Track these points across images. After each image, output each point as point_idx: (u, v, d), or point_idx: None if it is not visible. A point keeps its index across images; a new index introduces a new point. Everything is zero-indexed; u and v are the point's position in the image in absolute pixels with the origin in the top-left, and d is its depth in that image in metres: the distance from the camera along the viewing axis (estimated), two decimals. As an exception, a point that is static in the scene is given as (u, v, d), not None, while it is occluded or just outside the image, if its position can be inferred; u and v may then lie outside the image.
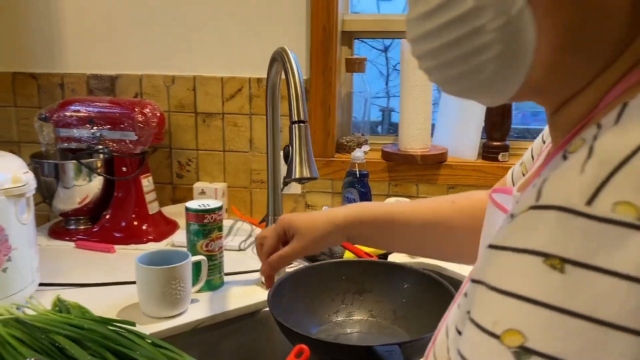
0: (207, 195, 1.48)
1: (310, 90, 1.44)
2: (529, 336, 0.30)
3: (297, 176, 0.85)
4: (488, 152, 1.45)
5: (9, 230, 0.94)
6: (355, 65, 1.50)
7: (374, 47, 2.78)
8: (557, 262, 0.30)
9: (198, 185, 1.49)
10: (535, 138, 0.66)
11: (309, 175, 0.85)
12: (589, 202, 0.30)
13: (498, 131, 1.45)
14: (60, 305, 0.89)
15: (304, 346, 0.68)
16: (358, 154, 1.32)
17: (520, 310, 0.31)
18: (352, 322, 0.94)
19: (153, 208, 1.39)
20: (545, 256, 0.30)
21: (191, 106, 1.50)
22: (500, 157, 1.44)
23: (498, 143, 1.44)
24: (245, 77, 1.46)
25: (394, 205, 0.85)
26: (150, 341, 0.81)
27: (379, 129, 2.90)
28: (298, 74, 0.88)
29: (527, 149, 0.67)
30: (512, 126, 1.45)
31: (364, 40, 1.74)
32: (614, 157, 0.30)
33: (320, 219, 0.79)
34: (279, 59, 0.93)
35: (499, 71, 0.40)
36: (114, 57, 1.52)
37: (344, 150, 1.51)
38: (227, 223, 1.41)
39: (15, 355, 0.75)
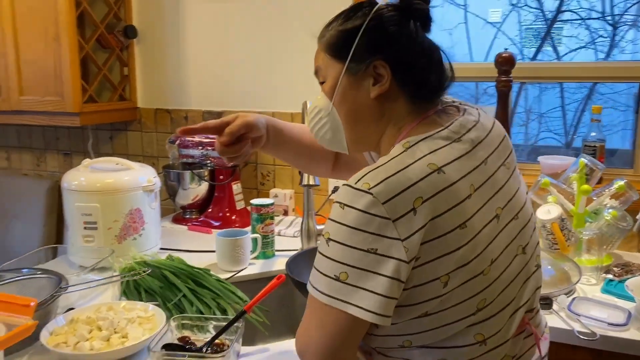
0: (279, 199, 2.03)
1: (354, 122, 1.94)
2: (330, 233, 0.76)
3: (304, 183, 1.36)
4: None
5: (144, 211, 1.56)
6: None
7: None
8: (341, 205, 0.74)
9: (273, 191, 2.05)
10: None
11: (312, 183, 1.36)
12: (356, 182, 0.75)
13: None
14: (170, 259, 1.48)
15: (282, 274, 1.18)
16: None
17: (329, 224, 0.76)
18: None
19: (240, 205, 1.97)
20: (339, 203, 0.75)
21: (271, 133, 2.07)
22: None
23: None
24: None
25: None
26: (215, 278, 1.36)
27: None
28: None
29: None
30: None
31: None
32: (374, 166, 0.75)
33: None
34: (304, 109, 1.45)
35: (334, 135, 0.90)
36: (221, 97, 2.14)
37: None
38: (290, 218, 1.96)
39: (146, 279, 1.34)
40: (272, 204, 1.63)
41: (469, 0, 3.29)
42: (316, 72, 0.91)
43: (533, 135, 4.47)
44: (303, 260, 1.40)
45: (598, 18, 3.30)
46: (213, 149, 1.94)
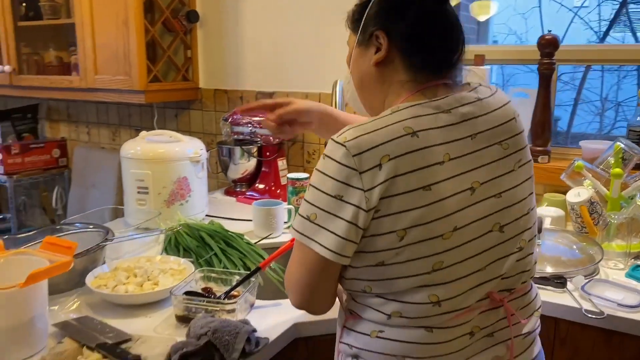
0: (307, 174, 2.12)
1: (396, 103, 2.00)
2: (312, 179, 0.85)
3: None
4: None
5: (190, 180, 1.72)
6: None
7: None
8: (323, 156, 0.84)
9: (318, 168, 2.16)
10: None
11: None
12: (338, 136, 0.84)
13: (539, 139, 1.82)
14: (211, 223, 1.63)
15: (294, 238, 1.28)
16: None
17: (313, 172, 0.86)
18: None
19: (284, 180, 2.09)
20: (324, 154, 0.85)
21: (317, 113, 2.17)
22: (539, 159, 1.81)
23: (540, 148, 1.82)
24: (353, 93, 2.07)
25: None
26: (246, 242, 1.49)
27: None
28: (337, 97, 1.48)
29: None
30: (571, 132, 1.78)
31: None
32: (358, 124, 0.84)
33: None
34: (334, 87, 1.54)
35: (354, 101, 1.01)
36: (273, 78, 2.26)
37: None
38: (331, 194, 2.05)
39: (186, 239, 1.49)
40: (306, 178, 1.73)
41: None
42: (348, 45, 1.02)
43: (608, 124, 4.27)
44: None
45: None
46: (261, 127, 2.06)
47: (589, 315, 1.21)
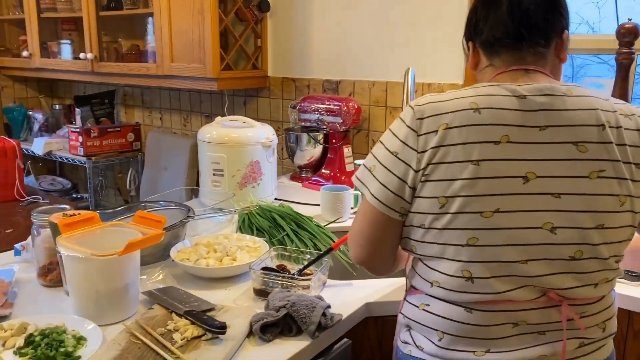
0: (387, 163, 2.15)
1: (463, 93, 2.00)
2: (382, 137, 0.93)
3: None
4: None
5: (262, 164, 1.79)
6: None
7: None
8: (397, 118, 0.92)
9: (383, 156, 2.19)
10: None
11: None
12: (414, 101, 0.90)
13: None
14: (281, 206, 1.70)
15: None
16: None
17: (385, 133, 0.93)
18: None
19: (349, 167, 2.14)
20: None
21: (383, 102, 2.20)
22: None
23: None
24: (420, 82, 2.09)
25: None
26: (316, 224, 1.55)
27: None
28: (410, 84, 1.51)
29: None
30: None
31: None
32: (437, 94, 0.92)
33: None
34: (405, 75, 1.56)
35: None
36: (339, 67, 2.30)
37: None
38: (395, 182, 2.08)
39: (258, 219, 1.56)
40: (374, 165, 1.76)
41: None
42: None
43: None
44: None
45: None
46: (327, 115, 2.11)
47: (663, 309, 1.20)
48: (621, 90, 1.79)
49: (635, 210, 0.87)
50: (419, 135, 0.86)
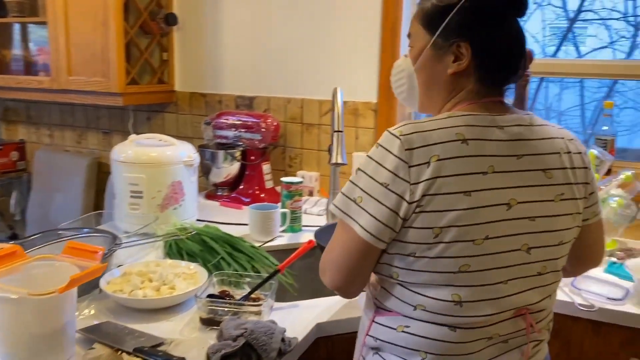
0: (305, 180, 2.16)
1: (378, 110, 2.06)
2: (361, 165, 0.90)
3: (334, 162, 1.49)
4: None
5: (184, 184, 1.71)
6: (414, 93, 2.09)
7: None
8: (377, 145, 0.90)
9: (300, 172, 2.19)
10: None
11: (341, 162, 1.49)
12: (395, 129, 0.89)
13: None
14: (207, 227, 1.63)
15: (312, 240, 1.32)
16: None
17: (363, 159, 0.90)
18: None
19: (269, 184, 2.12)
20: (377, 143, 0.90)
21: (299, 119, 2.21)
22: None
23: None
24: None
25: None
26: (250, 245, 1.51)
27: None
28: (340, 104, 1.53)
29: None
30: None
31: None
32: (415, 121, 0.90)
33: None
34: (334, 94, 1.58)
35: (408, 95, 1.03)
36: (253, 83, 2.28)
37: (403, 154, 2.10)
38: (315, 198, 2.09)
39: (188, 243, 1.49)
40: (301, 182, 1.76)
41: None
42: (408, 36, 1.00)
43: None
44: (330, 231, 1.53)
45: (619, 18, 3.36)
46: (245, 131, 2.08)
47: (582, 309, 1.32)
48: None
49: (580, 224, 0.97)
50: (410, 167, 0.84)
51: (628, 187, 1.67)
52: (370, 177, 0.87)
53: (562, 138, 0.96)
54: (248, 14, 2.24)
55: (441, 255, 0.86)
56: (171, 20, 2.31)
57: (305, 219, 1.83)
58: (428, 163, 0.84)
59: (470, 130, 0.88)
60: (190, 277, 1.30)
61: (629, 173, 1.67)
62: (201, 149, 2.14)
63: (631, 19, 3.46)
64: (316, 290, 1.69)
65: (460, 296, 0.87)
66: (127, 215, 1.67)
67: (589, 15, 3.43)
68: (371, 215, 0.87)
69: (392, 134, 0.87)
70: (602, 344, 1.35)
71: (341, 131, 1.52)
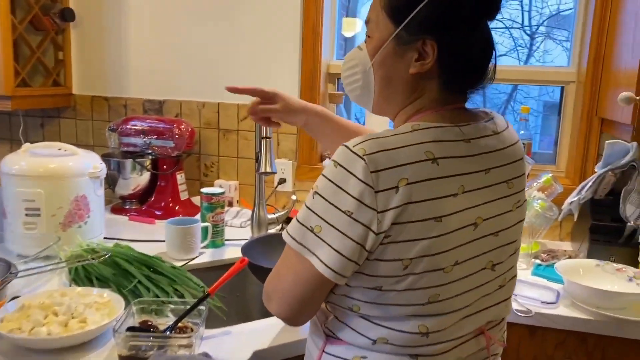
0: (225, 190, 2.02)
1: (300, 115, 1.97)
2: (318, 187, 0.79)
3: (262, 171, 1.38)
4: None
5: (89, 198, 1.52)
6: (335, 98, 2.03)
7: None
8: (335, 164, 0.77)
9: (218, 182, 2.05)
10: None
11: (270, 171, 1.39)
12: (354, 145, 0.77)
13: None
14: (118, 246, 1.45)
15: (245, 258, 1.20)
16: (326, 162, 1.85)
17: (320, 179, 0.79)
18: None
19: (183, 195, 1.95)
20: (334, 161, 0.78)
21: (215, 124, 2.07)
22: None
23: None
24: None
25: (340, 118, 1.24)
26: (170, 265, 1.35)
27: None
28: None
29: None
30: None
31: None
32: (376, 136, 0.78)
33: (297, 100, 1.21)
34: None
35: (362, 93, 0.92)
36: (164, 85, 2.10)
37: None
38: (235, 209, 1.96)
39: (97, 267, 1.31)
40: (222, 193, 1.63)
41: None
42: (367, 22, 0.88)
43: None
44: (258, 246, 1.42)
45: (519, 28, 3.55)
46: (156, 138, 1.90)
47: (519, 314, 1.31)
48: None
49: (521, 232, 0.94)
50: (377, 192, 0.74)
51: (548, 189, 1.71)
52: (330, 203, 0.76)
53: (518, 141, 0.91)
54: (156, 10, 2.07)
55: (410, 287, 0.78)
56: (67, 15, 2.07)
57: (227, 232, 1.70)
58: (396, 188, 0.74)
59: (439, 147, 0.78)
60: (103, 307, 1.13)
61: (548, 176, 1.71)
62: (105, 158, 1.93)
63: (527, 29, 3.66)
64: (248, 312, 1.57)
65: (428, 327, 0.80)
66: (22, 237, 1.45)
67: (493, 24, 3.60)
68: (333, 248, 0.76)
69: (354, 152, 0.75)
70: (538, 348, 1.35)
71: (269, 137, 1.41)
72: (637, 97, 1.14)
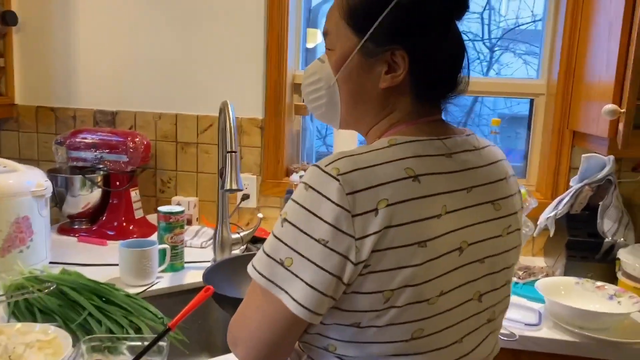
0: (183, 207, 1.89)
1: (265, 127, 1.87)
2: (288, 213, 0.69)
3: (227, 188, 1.27)
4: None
5: (33, 220, 1.37)
6: (302, 109, 1.94)
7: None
8: (305, 186, 0.68)
9: (175, 198, 1.92)
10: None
11: (235, 187, 1.27)
12: (327, 164, 0.68)
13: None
14: (65, 273, 1.31)
15: (210, 287, 1.09)
16: (294, 177, 1.75)
17: (288, 204, 0.70)
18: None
19: (138, 214, 1.81)
20: (304, 183, 0.69)
21: (173, 137, 1.94)
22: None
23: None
24: (215, 115, 1.88)
25: None
26: (124, 294, 1.22)
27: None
28: (232, 120, 1.32)
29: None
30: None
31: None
32: (349, 153, 0.70)
33: None
34: (222, 109, 1.37)
35: (328, 110, 0.83)
36: (115, 96, 1.96)
37: (291, 175, 1.93)
38: (195, 228, 1.83)
39: (41, 297, 1.16)
40: (182, 212, 1.51)
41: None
42: (325, 34, 0.81)
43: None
44: (221, 271, 1.31)
45: (481, 40, 3.56)
46: (109, 152, 1.76)
47: (504, 339, 1.24)
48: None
49: (515, 262, 0.85)
50: (354, 216, 0.65)
51: (522, 204, 1.67)
52: (302, 231, 0.67)
53: (503, 159, 0.84)
54: (110, 14, 1.93)
55: (392, 322, 0.69)
56: (9, 19, 1.91)
57: (187, 254, 1.57)
58: (376, 210, 0.65)
59: (419, 162, 0.71)
60: (47, 346, 1.00)
61: (523, 190, 1.66)
62: (52, 174, 1.77)
63: (487, 42, 3.69)
64: (212, 343, 1.44)
65: None
66: (-47, 264, 1.29)
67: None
68: (306, 283, 0.66)
69: (326, 172, 0.67)
70: (522, 373, 1.28)
71: (235, 152, 1.30)
72: (622, 110, 1.10)
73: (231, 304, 1.18)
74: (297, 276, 0.67)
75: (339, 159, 0.68)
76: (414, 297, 0.68)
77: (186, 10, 1.87)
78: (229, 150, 1.29)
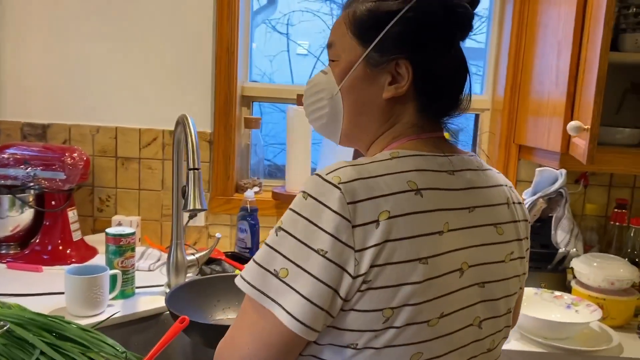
0: (132, 228, 1.76)
1: (214, 141, 1.79)
2: (283, 222, 0.66)
3: (191, 207, 1.19)
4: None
5: (-38, 247, 1.20)
6: (252, 123, 1.87)
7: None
8: (304, 195, 0.66)
9: (116, 218, 1.78)
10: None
11: (200, 207, 1.19)
12: (327, 173, 0.66)
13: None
14: (4, 306, 1.16)
15: (185, 317, 1.00)
16: (249, 193, 1.68)
17: (285, 213, 0.66)
18: (229, 320, 1.26)
19: (76, 236, 1.66)
20: (302, 192, 0.66)
21: (112, 151, 1.80)
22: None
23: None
24: (160, 129, 1.79)
25: None
26: (76, 326, 1.10)
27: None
28: (194, 135, 1.24)
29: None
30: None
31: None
32: (352, 163, 0.68)
33: None
34: (181, 122, 1.28)
35: (329, 122, 0.80)
36: (46, 108, 1.80)
37: (242, 191, 1.85)
38: (140, 249, 1.71)
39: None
40: (133, 234, 1.39)
41: (291, 30, 3.36)
42: (329, 46, 0.80)
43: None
44: (184, 294, 1.24)
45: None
46: (43, 169, 1.61)
47: (477, 353, 1.24)
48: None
49: (522, 286, 0.84)
50: (354, 227, 0.63)
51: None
52: (300, 240, 0.64)
53: (505, 185, 0.83)
54: (41, 19, 1.77)
55: (390, 344, 0.66)
56: None
57: (136, 278, 1.45)
58: (377, 222, 0.64)
59: (422, 176, 0.69)
60: (-4, 394, 0.87)
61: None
62: (-25, 193, 1.59)
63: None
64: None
65: None
66: None
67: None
68: (302, 295, 0.63)
69: (327, 181, 0.65)
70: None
71: (197, 169, 1.21)
72: (586, 127, 1.14)
73: (198, 330, 1.10)
74: (292, 288, 0.64)
75: (340, 167, 0.67)
76: (413, 317, 0.65)
77: (128, 16, 1.76)
78: (192, 167, 1.21)
